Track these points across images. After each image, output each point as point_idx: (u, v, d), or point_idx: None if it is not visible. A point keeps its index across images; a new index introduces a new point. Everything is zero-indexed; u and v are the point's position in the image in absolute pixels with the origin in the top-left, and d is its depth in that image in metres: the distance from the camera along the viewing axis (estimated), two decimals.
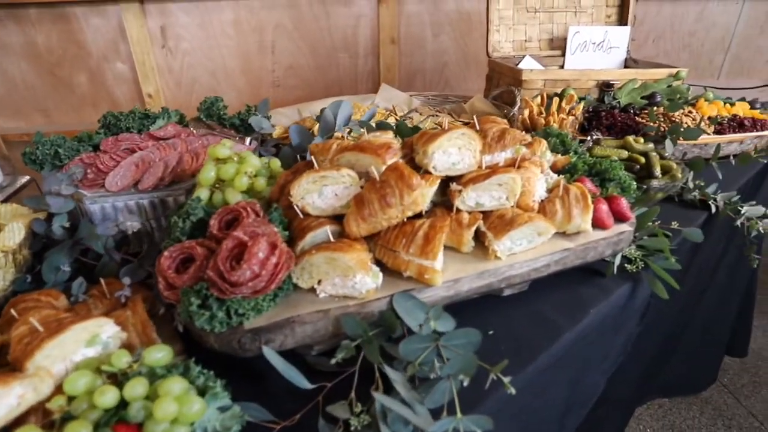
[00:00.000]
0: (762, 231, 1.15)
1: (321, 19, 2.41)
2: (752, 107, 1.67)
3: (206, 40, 2.35)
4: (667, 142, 1.31)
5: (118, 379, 0.56)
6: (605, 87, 1.68)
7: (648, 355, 1.39)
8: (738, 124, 1.49)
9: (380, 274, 0.70)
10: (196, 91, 2.44)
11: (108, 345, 0.63)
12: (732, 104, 1.65)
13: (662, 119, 1.47)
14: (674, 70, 1.69)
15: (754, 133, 1.47)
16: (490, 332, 0.77)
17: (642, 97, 1.67)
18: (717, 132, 1.46)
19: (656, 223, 1.02)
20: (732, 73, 2.94)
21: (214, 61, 2.41)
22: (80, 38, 2.21)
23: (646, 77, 1.70)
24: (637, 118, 1.50)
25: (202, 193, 0.82)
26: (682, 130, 1.33)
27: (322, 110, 1.10)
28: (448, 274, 0.73)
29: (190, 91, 2.45)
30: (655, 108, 1.54)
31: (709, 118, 1.51)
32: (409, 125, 1.09)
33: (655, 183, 1.17)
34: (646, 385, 1.61)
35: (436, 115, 1.61)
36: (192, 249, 0.68)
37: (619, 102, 1.63)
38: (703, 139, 1.40)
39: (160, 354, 0.59)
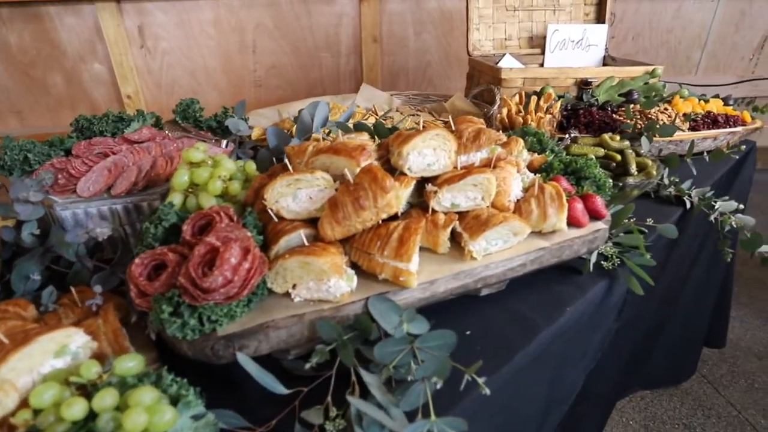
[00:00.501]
0: (735, 225, 1.17)
1: (302, 18, 2.39)
2: (725, 104, 1.70)
3: (186, 40, 2.31)
4: (643, 139, 1.33)
5: (88, 391, 0.55)
6: (583, 85, 1.70)
7: (628, 351, 1.41)
8: (712, 121, 1.52)
9: (354, 278, 0.70)
10: (177, 92, 2.41)
11: (78, 355, 0.61)
12: (706, 101, 1.68)
13: (638, 116, 1.49)
14: (650, 68, 1.72)
15: (727, 130, 1.50)
16: (467, 332, 0.77)
17: (619, 95, 1.70)
18: (692, 129, 1.49)
19: (632, 220, 1.03)
20: (709, 70, 3.01)
21: (195, 61, 2.37)
22: (54, 38, 2.16)
23: (623, 75, 1.72)
24: (614, 115, 1.52)
25: (175, 198, 0.81)
26: (657, 127, 1.35)
27: (300, 111, 1.10)
28: (424, 275, 0.73)
29: (170, 92, 2.41)
30: (631, 105, 1.56)
31: (684, 114, 1.53)
32: (388, 125, 1.09)
33: (630, 180, 1.19)
34: (627, 380, 1.64)
35: (417, 115, 1.61)
36: (164, 255, 0.67)
37: (597, 99, 1.65)
38: (678, 135, 1.42)
39: (131, 363, 0.58)
